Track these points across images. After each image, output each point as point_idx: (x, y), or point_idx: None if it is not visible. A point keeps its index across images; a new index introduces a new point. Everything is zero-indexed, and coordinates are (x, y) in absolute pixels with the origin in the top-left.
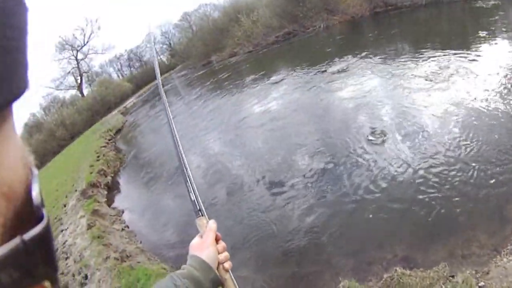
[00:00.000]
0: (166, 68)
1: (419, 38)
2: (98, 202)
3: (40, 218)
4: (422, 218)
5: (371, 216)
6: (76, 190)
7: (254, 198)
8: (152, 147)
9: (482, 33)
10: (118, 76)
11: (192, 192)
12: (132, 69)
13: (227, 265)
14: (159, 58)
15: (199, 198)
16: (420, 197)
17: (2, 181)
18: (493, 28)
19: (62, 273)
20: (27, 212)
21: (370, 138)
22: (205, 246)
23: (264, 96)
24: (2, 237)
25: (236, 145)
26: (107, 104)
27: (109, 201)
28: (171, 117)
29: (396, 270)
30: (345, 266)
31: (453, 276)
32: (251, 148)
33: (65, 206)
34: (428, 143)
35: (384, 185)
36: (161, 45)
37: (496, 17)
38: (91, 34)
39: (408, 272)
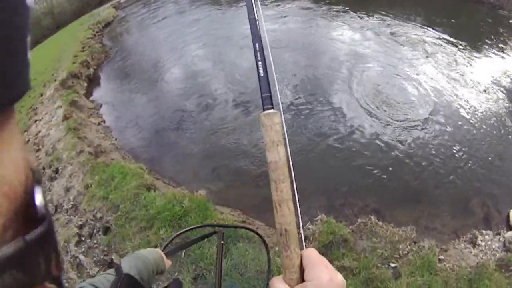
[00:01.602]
0: None
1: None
2: (77, 93)
3: (42, 218)
4: (396, 180)
5: (350, 163)
6: (55, 80)
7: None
8: (138, 46)
9: None
10: None
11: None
12: None
13: None
14: None
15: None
16: (400, 161)
17: (3, 180)
18: None
19: None
20: (28, 212)
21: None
22: None
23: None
24: (3, 237)
25: (218, 61)
26: None
27: (88, 94)
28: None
29: (370, 218)
30: (318, 202)
31: (415, 242)
32: (231, 66)
33: (42, 95)
34: (417, 112)
35: (368, 140)
36: None
37: None
38: None
39: (380, 223)
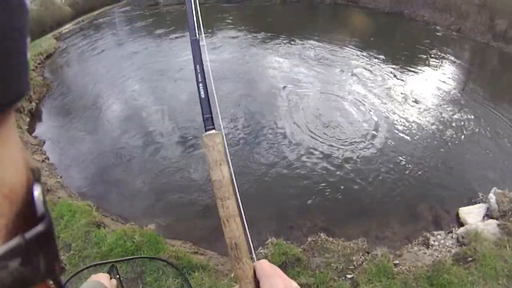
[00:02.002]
0: (111, 0)
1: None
2: (21, 128)
3: (41, 217)
4: (343, 197)
5: (296, 186)
6: None
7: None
8: (79, 79)
9: None
10: None
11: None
12: None
13: None
14: None
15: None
16: (346, 178)
17: (4, 182)
18: None
19: None
20: (29, 213)
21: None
22: None
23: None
24: (5, 238)
25: (156, 95)
26: (43, 27)
27: (31, 129)
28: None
29: (320, 235)
30: (267, 227)
31: (368, 253)
32: (169, 99)
33: None
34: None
35: (314, 162)
36: None
37: None
38: None
39: (330, 239)
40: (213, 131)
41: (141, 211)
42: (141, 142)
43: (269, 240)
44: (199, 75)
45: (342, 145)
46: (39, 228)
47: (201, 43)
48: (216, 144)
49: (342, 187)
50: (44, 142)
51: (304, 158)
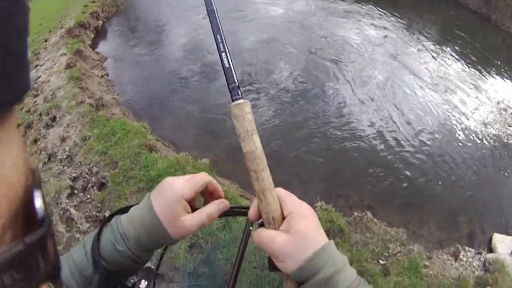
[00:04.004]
0: None
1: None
2: (83, 43)
3: (41, 220)
4: (393, 180)
5: (348, 155)
6: (62, 27)
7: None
8: (150, 4)
9: None
10: None
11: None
12: None
13: None
14: None
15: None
16: (400, 161)
17: (3, 181)
18: None
19: (29, 111)
20: (28, 214)
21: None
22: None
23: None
24: (2, 238)
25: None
26: None
27: (94, 45)
28: None
29: (366, 213)
30: (315, 189)
31: (404, 245)
32: (235, 39)
33: (46, 41)
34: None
35: (371, 134)
36: None
37: None
38: None
39: (375, 220)
40: (241, 100)
41: (193, 142)
42: (201, 75)
43: (318, 203)
44: (220, 44)
45: (413, 134)
46: (39, 232)
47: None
48: (246, 113)
49: (393, 169)
50: (105, 59)
51: (359, 128)
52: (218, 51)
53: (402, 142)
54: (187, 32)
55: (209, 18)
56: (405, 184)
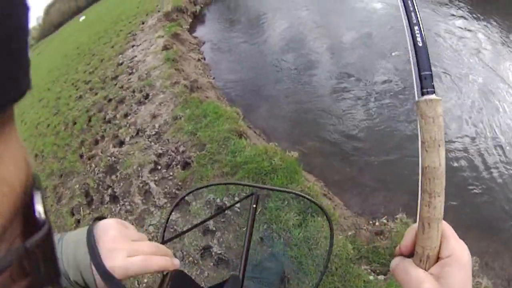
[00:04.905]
0: None
1: None
2: (181, 27)
3: (42, 223)
4: (478, 203)
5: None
6: (159, 11)
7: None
8: None
9: None
10: None
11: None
12: None
13: None
14: None
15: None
16: (490, 183)
17: (3, 181)
18: None
19: (122, 87)
20: (28, 215)
21: None
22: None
23: None
24: (1, 238)
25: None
26: None
27: (191, 30)
28: None
29: None
30: (399, 198)
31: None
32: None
33: (143, 23)
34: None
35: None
36: None
37: None
38: None
39: None
40: (434, 96)
41: (284, 134)
42: (299, 66)
43: (399, 215)
44: (413, 14)
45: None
46: (40, 235)
47: None
48: (438, 115)
49: (484, 192)
50: (203, 43)
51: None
52: (410, 23)
53: (495, 160)
54: (287, 24)
55: None
56: (488, 207)
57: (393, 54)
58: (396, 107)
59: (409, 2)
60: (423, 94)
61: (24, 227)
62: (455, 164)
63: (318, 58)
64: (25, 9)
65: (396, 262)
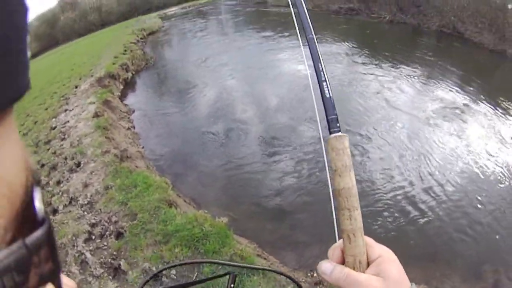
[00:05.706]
0: None
1: None
2: (112, 94)
3: (41, 221)
4: (413, 232)
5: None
6: (92, 76)
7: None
8: (177, 61)
9: None
10: None
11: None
12: None
13: None
14: None
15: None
16: (420, 213)
17: (3, 182)
18: None
19: (54, 153)
20: (28, 215)
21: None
22: None
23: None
24: (3, 239)
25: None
26: (149, 5)
27: (123, 97)
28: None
29: None
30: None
31: None
32: (262, 99)
33: (76, 87)
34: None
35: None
36: None
37: None
38: None
39: None
40: (340, 133)
41: (214, 200)
42: (226, 134)
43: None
44: (321, 73)
45: (435, 183)
46: (40, 232)
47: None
48: (345, 147)
49: (417, 222)
50: (133, 111)
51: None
52: (318, 81)
53: (423, 190)
54: (214, 92)
55: (309, 46)
56: (425, 235)
57: (309, 113)
58: (317, 162)
59: (319, 64)
60: (331, 133)
61: (25, 225)
62: (389, 202)
63: (245, 125)
64: (23, 8)
65: (329, 267)
